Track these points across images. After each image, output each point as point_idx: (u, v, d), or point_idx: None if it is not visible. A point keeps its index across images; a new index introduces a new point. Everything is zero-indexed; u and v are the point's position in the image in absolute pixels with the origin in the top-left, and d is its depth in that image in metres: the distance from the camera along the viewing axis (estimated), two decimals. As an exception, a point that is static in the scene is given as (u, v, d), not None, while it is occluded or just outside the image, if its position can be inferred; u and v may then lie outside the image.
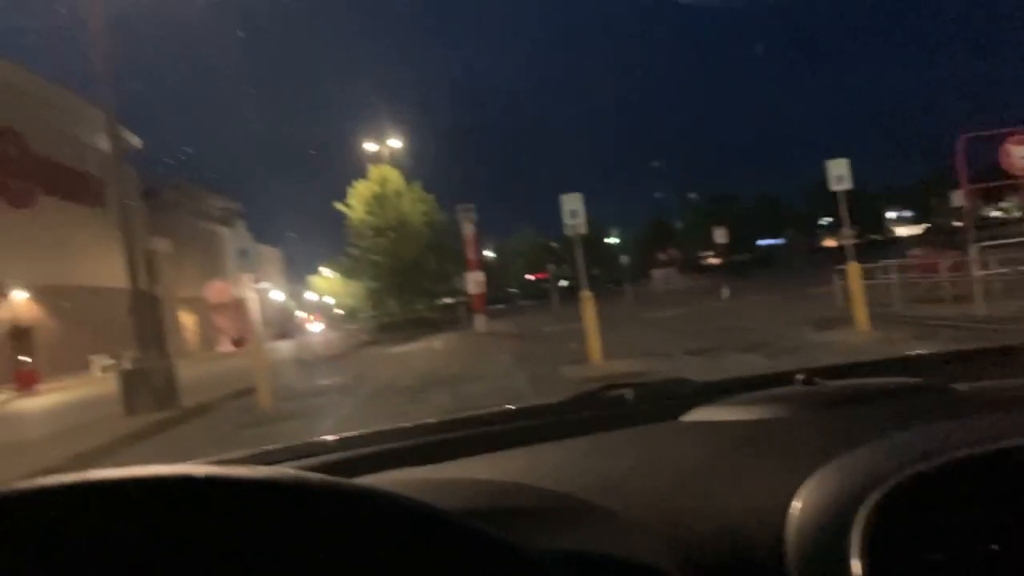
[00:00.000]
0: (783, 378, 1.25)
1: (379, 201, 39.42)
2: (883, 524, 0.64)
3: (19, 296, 28.32)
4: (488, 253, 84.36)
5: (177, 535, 0.30)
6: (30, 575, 0.28)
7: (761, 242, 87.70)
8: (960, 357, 1.51)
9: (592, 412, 1.27)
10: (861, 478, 0.70)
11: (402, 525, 0.34)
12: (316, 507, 0.33)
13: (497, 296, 73.84)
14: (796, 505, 0.70)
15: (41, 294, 29.82)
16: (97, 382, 24.46)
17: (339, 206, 40.47)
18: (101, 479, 0.30)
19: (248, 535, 0.33)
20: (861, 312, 12.12)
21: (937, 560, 0.65)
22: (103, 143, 26.71)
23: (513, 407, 1.34)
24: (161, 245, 41.16)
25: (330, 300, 69.84)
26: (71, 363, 29.58)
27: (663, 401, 1.26)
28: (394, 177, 39.65)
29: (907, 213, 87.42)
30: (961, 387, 1.11)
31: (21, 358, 24.55)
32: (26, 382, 23.30)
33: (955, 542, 0.65)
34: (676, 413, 1.13)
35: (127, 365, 13.02)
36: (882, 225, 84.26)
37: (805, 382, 1.20)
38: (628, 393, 1.33)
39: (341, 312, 76.33)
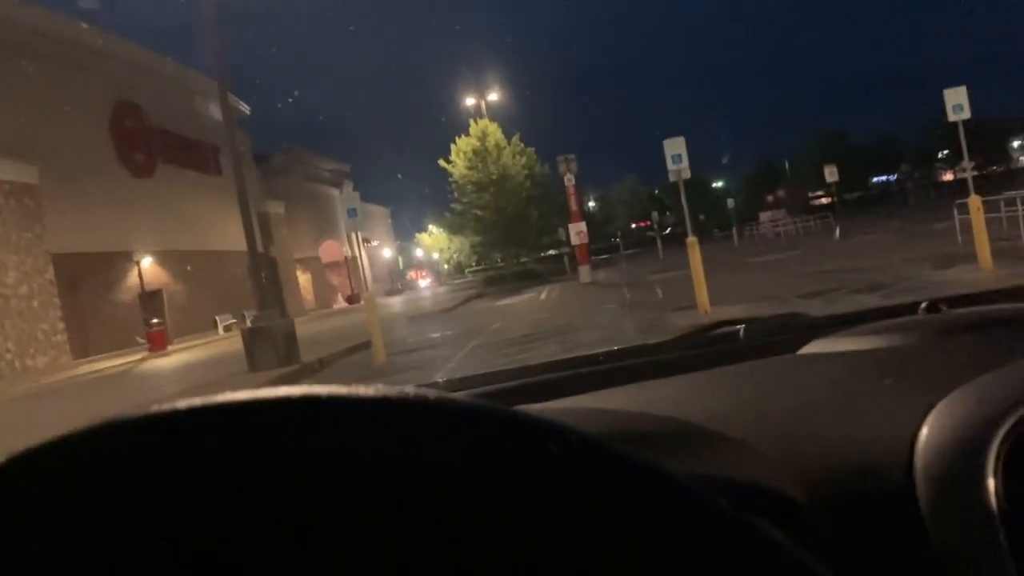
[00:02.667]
0: (905, 309, 1.21)
1: (480, 156, 39.59)
2: (1019, 449, 0.62)
3: (147, 262, 29.85)
4: (590, 203, 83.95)
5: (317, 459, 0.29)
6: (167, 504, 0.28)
7: (876, 179, 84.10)
8: None
9: (704, 349, 1.25)
10: (996, 402, 0.67)
11: (568, 455, 0.31)
12: (467, 429, 0.30)
13: (600, 246, 73.54)
14: (924, 432, 0.68)
15: (166, 259, 31.35)
16: (222, 341, 25.67)
17: (442, 163, 40.87)
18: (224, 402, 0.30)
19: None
20: (983, 248, 11.47)
21: None
22: (215, 111, 27.70)
23: (624, 346, 1.34)
24: (275, 208, 42.59)
25: (437, 256, 71.05)
26: (198, 324, 31.14)
27: (778, 335, 1.23)
28: (494, 131, 39.69)
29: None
30: None
31: (152, 320, 25.94)
32: (158, 342, 24.63)
33: None
34: (792, 347, 1.11)
35: (249, 324, 13.58)
36: (1005, 155, 79.27)
37: (929, 310, 1.15)
38: (741, 329, 1.31)
39: (447, 267, 77.65)
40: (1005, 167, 76.03)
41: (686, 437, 0.73)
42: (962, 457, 0.63)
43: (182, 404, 0.30)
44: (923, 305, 1.18)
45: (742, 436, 0.72)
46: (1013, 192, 15.03)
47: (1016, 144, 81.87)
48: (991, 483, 0.60)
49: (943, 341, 0.96)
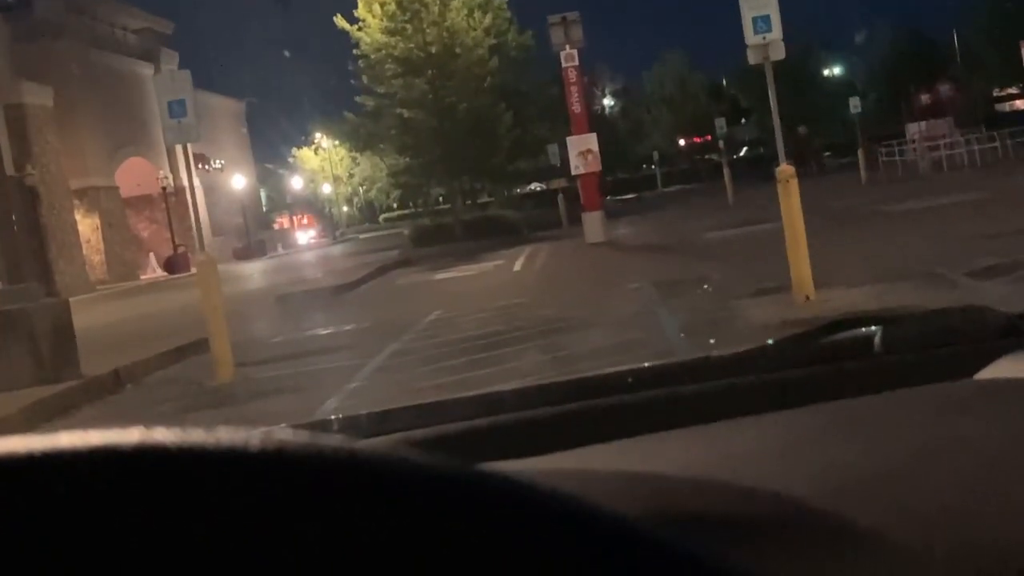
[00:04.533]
0: None
1: (409, 10, 39.23)
2: None
3: None
4: (606, 102, 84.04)
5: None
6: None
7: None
8: None
9: (810, 370, 1.27)
10: None
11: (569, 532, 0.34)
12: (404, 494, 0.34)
13: (623, 179, 73.67)
14: None
15: None
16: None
17: (340, 22, 40.52)
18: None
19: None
20: None
21: None
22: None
23: (673, 361, 1.35)
24: (38, 96, 42.13)
25: (328, 190, 70.88)
26: None
27: (943, 346, 1.24)
28: (435, -34, 39.46)
29: None
30: None
31: None
32: None
33: None
34: (968, 367, 1.12)
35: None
36: None
37: None
38: (877, 333, 1.32)
39: (348, 211, 77.50)
40: None
41: (775, 523, 0.74)
42: None
43: None
44: None
45: (876, 517, 0.73)
46: None
47: None
48: None
49: None
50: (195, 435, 0.33)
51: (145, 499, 0.32)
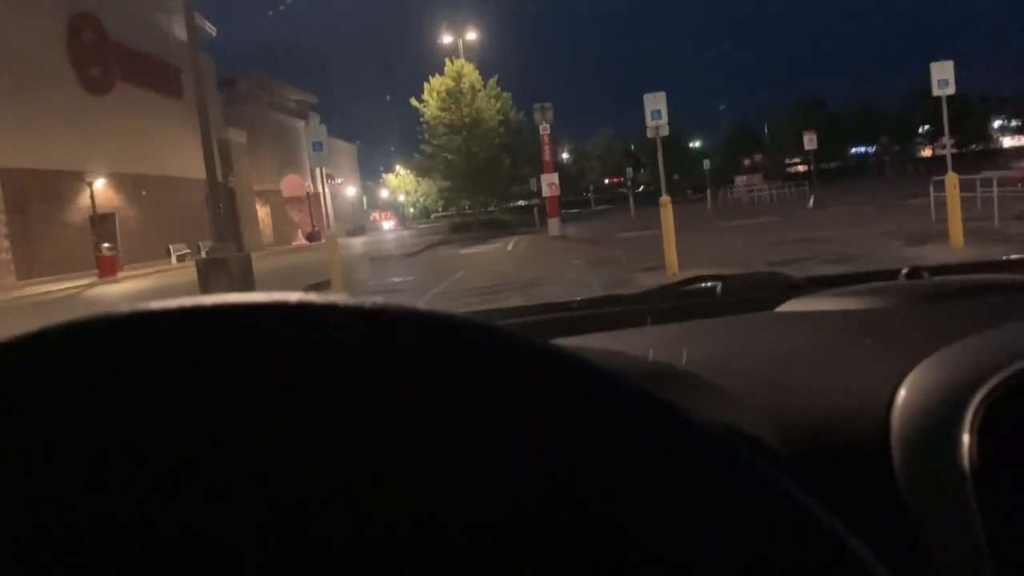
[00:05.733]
0: (887, 274, 1.22)
1: (454, 97, 39.08)
2: (995, 413, 0.63)
3: (99, 183, 29.25)
4: (564, 155, 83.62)
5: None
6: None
7: (854, 150, 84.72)
8: None
9: (681, 302, 1.26)
10: (975, 365, 0.68)
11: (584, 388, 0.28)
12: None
13: (572, 200, 73.48)
14: (902, 392, 0.69)
15: (120, 182, 30.76)
16: (175, 271, 25.37)
17: (414, 102, 40.34)
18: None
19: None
20: (956, 227, 11.64)
21: None
22: (180, 31, 26.99)
23: (599, 295, 1.35)
24: (236, 136, 41.89)
25: (403, 199, 70.56)
26: (150, 252, 30.70)
27: (755, 293, 1.24)
28: (470, 72, 39.15)
29: (1015, 122, 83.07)
30: None
31: (103, 245, 25.52)
32: (107, 269, 24.27)
33: None
34: (770, 305, 1.11)
35: (204, 255, 13.41)
36: (985, 135, 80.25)
37: (909, 276, 1.16)
38: (718, 285, 1.32)
39: (413, 211, 77.15)
40: (984, 146, 77.06)
41: (664, 377, 0.74)
42: (939, 415, 0.64)
43: (172, 304, 0.26)
44: (904, 271, 1.20)
45: (724, 382, 0.73)
46: (990, 173, 15.23)
47: (996, 124, 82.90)
48: (966, 439, 0.61)
49: (924, 306, 0.97)
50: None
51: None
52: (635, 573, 0.25)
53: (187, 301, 0.26)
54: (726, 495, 0.27)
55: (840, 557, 0.26)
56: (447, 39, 39.81)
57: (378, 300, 0.27)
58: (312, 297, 0.28)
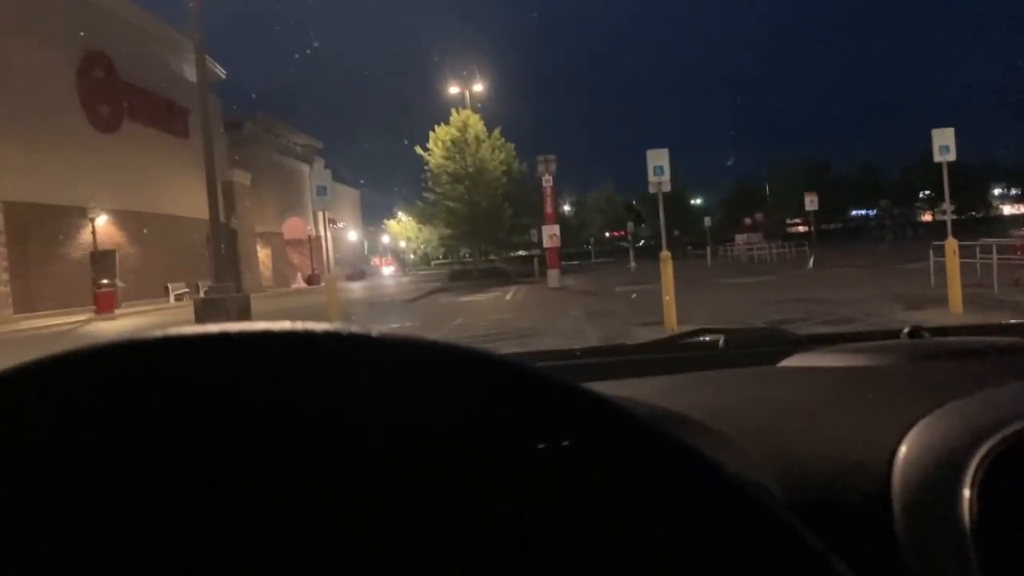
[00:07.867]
0: (888, 333, 1.23)
1: (458, 147, 39.42)
2: (996, 471, 0.64)
3: (101, 220, 29.36)
4: (566, 207, 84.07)
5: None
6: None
7: (855, 212, 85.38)
8: None
9: (685, 354, 1.27)
10: (976, 423, 0.69)
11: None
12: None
13: (572, 252, 73.70)
14: (903, 448, 0.70)
15: (123, 219, 30.88)
16: (173, 309, 25.34)
17: (418, 150, 40.69)
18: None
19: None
20: (955, 292, 11.67)
21: None
22: (189, 72, 27.33)
23: (600, 344, 1.36)
24: (241, 178, 42.14)
25: (404, 244, 70.74)
26: (149, 289, 30.70)
27: (758, 347, 1.25)
28: (475, 123, 39.53)
29: (1015, 191, 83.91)
30: None
31: (102, 280, 25.53)
32: (105, 305, 24.26)
33: None
34: (773, 360, 1.12)
35: (203, 294, 13.43)
36: (986, 202, 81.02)
37: (911, 335, 1.18)
38: (721, 338, 1.32)
39: (413, 257, 77.30)
40: (984, 213, 77.70)
41: (675, 423, 0.74)
42: (940, 471, 0.65)
43: (188, 330, 0.27)
44: (906, 330, 1.21)
45: (724, 431, 0.74)
46: (990, 240, 15.31)
47: (996, 192, 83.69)
48: (967, 495, 0.62)
49: (924, 364, 0.99)
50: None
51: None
52: None
53: (212, 327, 0.27)
54: (757, 542, 0.26)
55: None
56: (454, 90, 40.31)
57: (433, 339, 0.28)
58: (338, 327, 0.28)
